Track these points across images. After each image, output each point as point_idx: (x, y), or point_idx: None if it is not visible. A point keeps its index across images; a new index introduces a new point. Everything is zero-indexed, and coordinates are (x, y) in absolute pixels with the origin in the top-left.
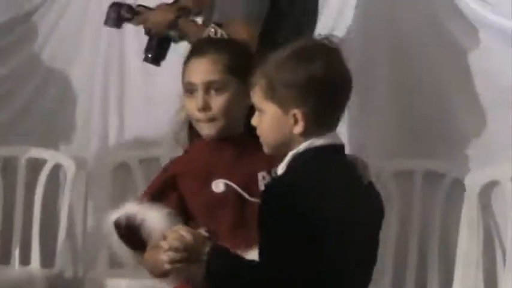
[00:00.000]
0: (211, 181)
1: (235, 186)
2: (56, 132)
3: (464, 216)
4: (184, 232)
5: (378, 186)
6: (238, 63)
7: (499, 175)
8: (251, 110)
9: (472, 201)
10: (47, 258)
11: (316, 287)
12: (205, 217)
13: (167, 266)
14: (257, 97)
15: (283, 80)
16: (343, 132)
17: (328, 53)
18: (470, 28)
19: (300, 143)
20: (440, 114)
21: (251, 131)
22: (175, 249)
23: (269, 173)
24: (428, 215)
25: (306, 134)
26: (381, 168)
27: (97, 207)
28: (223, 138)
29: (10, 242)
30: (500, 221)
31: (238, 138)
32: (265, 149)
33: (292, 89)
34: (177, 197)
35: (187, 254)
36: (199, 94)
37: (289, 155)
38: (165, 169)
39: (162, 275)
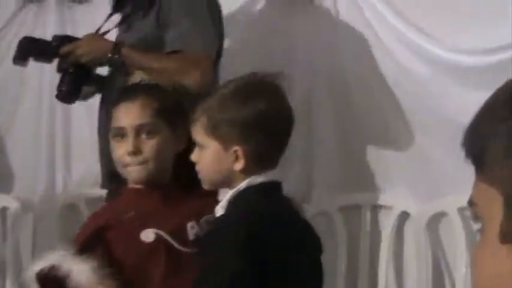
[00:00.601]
0: (141, 231)
1: (165, 235)
2: (2, 175)
3: (412, 248)
4: None
5: (325, 222)
6: (168, 108)
7: (446, 206)
8: (178, 158)
9: (420, 233)
10: None
11: None
12: (134, 269)
13: None
14: (198, 133)
15: (226, 117)
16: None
17: (272, 91)
18: (413, 60)
19: (240, 179)
20: (385, 147)
21: (178, 179)
22: None
23: (197, 222)
24: (377, 249)
25: (246, 171)
26: (328, 204)
27: (45, 249)
28: (151, 186)
29: None
30: (449, 252)
31: (166, 187)
32: (205, 185)
33: (235, 126)
34: (105, 249)
35: None
36: (130, 138)
37: (229, 194)
38: (93, 218)
39: None
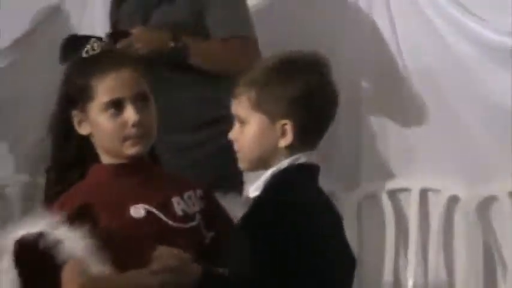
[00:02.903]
0: (128, 207)
1: (156, 211)
2: None
3: (463, 233)
4: (176, 251)
5: (374, 205)
6: (146, 76)
7: (497, 190)
8: None
9: (469, 217)
10: None
11: None
12: (125, 246)
13: (157, 283)
14: (243, 107)
15: (276, 91)
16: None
17: (321, 66)
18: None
19: (281, 158)
20: (433, 131)
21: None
22: (169, 269)
23: (182, 198)
24: (427, 233)
25: (290, 149)
26: (376, 187)
27: None
28: (134, 161)
29: None
30: (501, 237)
31: (143, 161)
32: (244, 165)
33: (284, 100)
34: (92, 226)
35: (179, 274)
36: (131, 108)
37: (269, 173)
38: (68, 198)
39: None
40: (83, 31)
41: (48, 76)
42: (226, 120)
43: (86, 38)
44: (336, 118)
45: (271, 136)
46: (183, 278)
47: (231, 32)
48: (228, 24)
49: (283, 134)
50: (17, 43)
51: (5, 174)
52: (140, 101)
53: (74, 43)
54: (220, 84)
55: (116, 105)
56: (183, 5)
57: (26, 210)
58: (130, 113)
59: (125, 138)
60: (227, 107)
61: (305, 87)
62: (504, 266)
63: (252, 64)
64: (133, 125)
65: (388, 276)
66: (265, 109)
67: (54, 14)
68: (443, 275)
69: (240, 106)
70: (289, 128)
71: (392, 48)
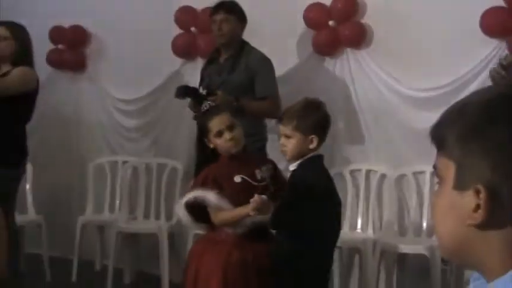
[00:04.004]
0: (233, 176)
1: (247, 178)
2: None
3: (387, 194)
4: (264, 196)
5: (341, 180)
6: (232, 114)
7: (406, 171)
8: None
9: (391, 185)
10: None
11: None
12: (233, 197)
13: (253, 213)
14: (288, 129)
15: (307, 120)
16: None
17: (324, 106)
18: (390, 94)
19: (307, 153)
20: (375, 140)
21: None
22: (260, 203)
23: (260, 169)
24: (369, 194)
25: (313, 149)
26: (343, 169)
27: None
28: (234, 154)
29: None
30: (407, 196)
31: (240, 153)
32: (289, 158)
33: (312, 125)
34: (220, 187)
35: (263, 206)
36: (226, 132)
37: (300, 160)
38: (209, 170)
39: (226, 225)
40: (190, 84)
41: (172, 106)
42: (259, 133)
43: (191, 88)
44: None
45: (304, 143)
46: (265, 209)
47: (268, 93)
48: (266, 89)
49: (311, 142)
50: (156, 90)
51: (149, 158)
52: (230, 126)
53: (184, 89)
54: (256, 117)
55: (220, 133)
56: (242, 74)
57: (159, 180)
58: (226, 135)
59: (230, 146)
60: (260, 127)
61: (320, 117)
62: (409, 212)
63: (277, 111)
64: (230, 140)
65: (347, 217)
66: (301, 130)
67: (176, 74)
68: (376, 216)
69: (287, 128)
70: (314, 139)
71: (352, 93)
